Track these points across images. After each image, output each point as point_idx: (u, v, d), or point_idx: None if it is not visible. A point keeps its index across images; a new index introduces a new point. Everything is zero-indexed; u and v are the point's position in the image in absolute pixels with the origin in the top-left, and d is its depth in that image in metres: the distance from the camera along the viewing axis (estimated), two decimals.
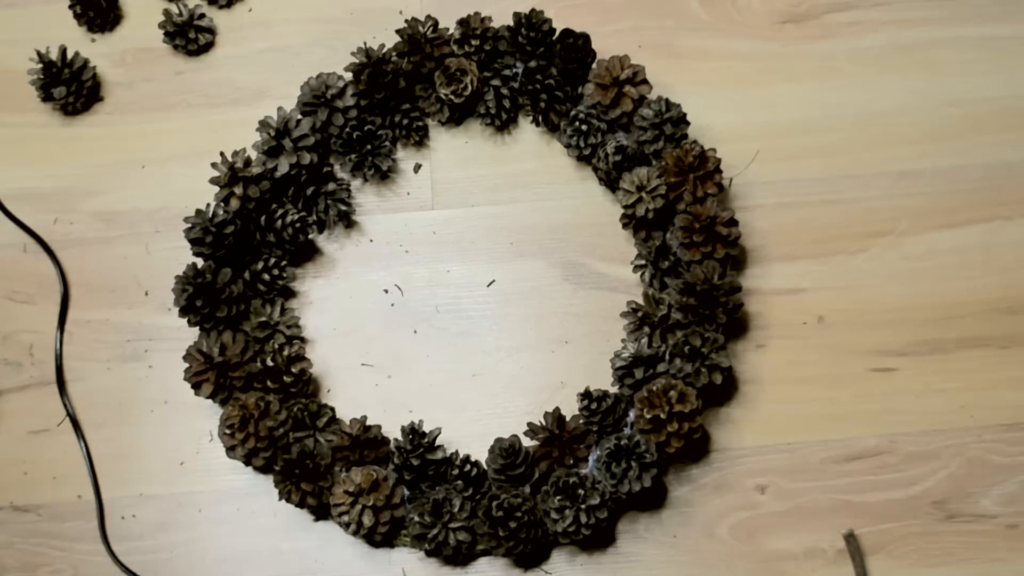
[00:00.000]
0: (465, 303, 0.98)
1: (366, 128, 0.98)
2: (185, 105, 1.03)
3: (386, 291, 0.98)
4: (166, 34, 1.04)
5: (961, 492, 0.92)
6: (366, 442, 0.89)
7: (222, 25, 1.06)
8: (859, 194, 1.00)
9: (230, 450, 0.88)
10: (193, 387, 0.90)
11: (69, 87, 1.00)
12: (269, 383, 0.90)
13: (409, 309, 0.98)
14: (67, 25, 1.05)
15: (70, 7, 1.05)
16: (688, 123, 0.96)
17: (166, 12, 1.03)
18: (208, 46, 1.05)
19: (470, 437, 0.92)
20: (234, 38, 1.06)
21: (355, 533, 0.87)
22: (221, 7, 1.06)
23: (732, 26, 1.05)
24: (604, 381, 0.92)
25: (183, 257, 0.97)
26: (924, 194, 1.00)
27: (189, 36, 1.03)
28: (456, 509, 0.86)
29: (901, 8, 1.05)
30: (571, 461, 0.89)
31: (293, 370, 0.91)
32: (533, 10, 0.98)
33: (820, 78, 1.03)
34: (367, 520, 0.86)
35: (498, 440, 0.89)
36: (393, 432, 0.91)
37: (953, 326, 0.96)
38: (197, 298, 0.90)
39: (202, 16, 1.04)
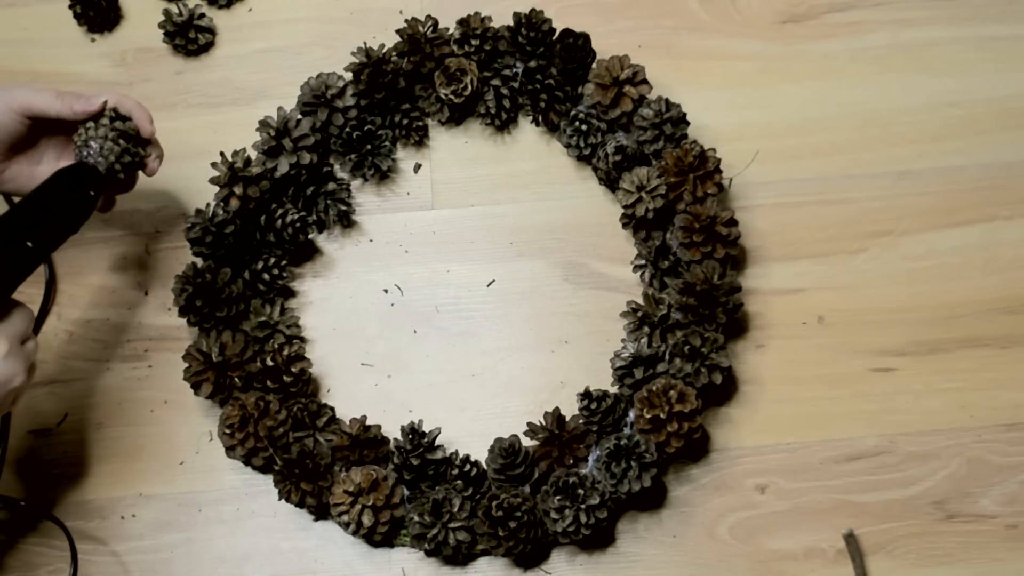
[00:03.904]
0: (465, 303, 0.98)
1: (366, 128, 0.98)
2: (185, 105, 1.03)
3: (386, 291, 0.98)
4: (166, 34, 1.04)
5: (961, 492, 0.92)
6: (366, 442, 0.89)
7: (222, 25, 1.06)
8: (859, 194, 1.00)
9: (230, 450, 0.88)
10: (193, 387, 0.90)
11: None
12: (269, 383, 0.90)
13: (409, 309, 0.98)
14: (67, 25, 1.05)
15: (70, 7, 1.04)
16: (688, 123, 0.96)
17: (166, 12, 1.03)
18: (208, 46, 1.05)
19: (470, 437, 0.92)
20: (234, 38, 1.06)
21: (355, 533, 0.87)
22: (221, 7, 1.06)
23: (732, 26, 1.05)
24: (604, 381, 0.92)
25: (183, 257, 0.97)
26: (924, 194, 1.00)
27: (189, 36, 1.03)
28: (456, 509, 0.86)
29: (901, 8, 1.05)
30: (571, 461, 0.89)
31: (293, 370, 0.91)
32: (533, 10, 0.98)
33: (820, 78, 1.03)
34: (367, 520, 0.86)
35: (498, 440, 0.89)
36: (393, 432, 0.91)
37: (953, 326, 0.96)
38: (197, 298, 0.90)
39: (202, 16, 1.04)
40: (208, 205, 0.93)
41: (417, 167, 1.02)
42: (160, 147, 0.89)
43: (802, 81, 1.03)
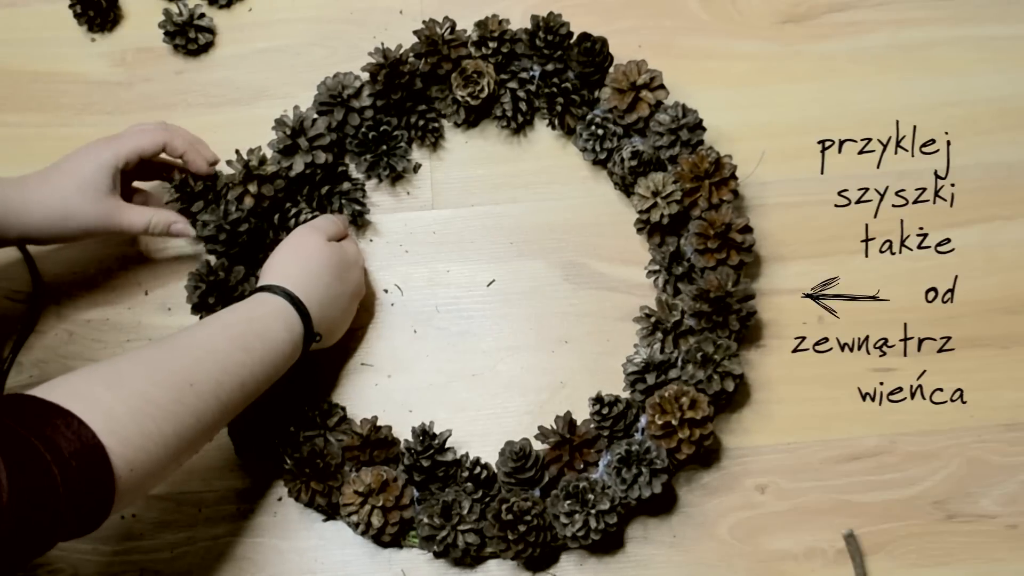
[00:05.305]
0: (465, 303, 0.98)
1: (382, 128, 0.98)
2: (185, 105, 1.03)
3: (386, 291, 0.98)
4: (166, 34, 1.04)
5: (961, 492, 0.92)
6: (376, 442, 0.89)
7: (222, 25, 1.06)
8: (859, 194, 1.00)
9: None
10: None
11: None
12: None
13: (409, 309, 0.98)
14: (67, 25, 1.05)
15: (70, 7, 1.04)
16: (704, 129, 0.95)
17: (166, 12, 1.03)
18: (208, 46, 1.05)
19: (470, 436, 0.92)
20: (234, 38, 1.06)
21: (364, 533, 0.87)
22: (221, 7, 1.06)
23: (732, 26, 1.05)
24: (604, 381, 0.92)
25: (183, 257, 0.97)
26: (924, 194, 1.00)
27: (189, 36, 1.03)
28: (465, 511, 0.86)
29: (901, 8, 1.05)
30: (581, 466, 0.88)
31: None
32: (551, 13, 0.98)
33: (820, 78, 1.03)
34: (376, 520, 0.86)
35: (509, 443, 0.88)
36: (394, 432, 0.91)
37: (953, 326, 0.96)
38: (210, 295, 0.90)
39: (202, 16, 1.04)
40: (223, 203, 0.93)
41: (417, 166, 1.01)
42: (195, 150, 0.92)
43: (802, 81, 1.03)
